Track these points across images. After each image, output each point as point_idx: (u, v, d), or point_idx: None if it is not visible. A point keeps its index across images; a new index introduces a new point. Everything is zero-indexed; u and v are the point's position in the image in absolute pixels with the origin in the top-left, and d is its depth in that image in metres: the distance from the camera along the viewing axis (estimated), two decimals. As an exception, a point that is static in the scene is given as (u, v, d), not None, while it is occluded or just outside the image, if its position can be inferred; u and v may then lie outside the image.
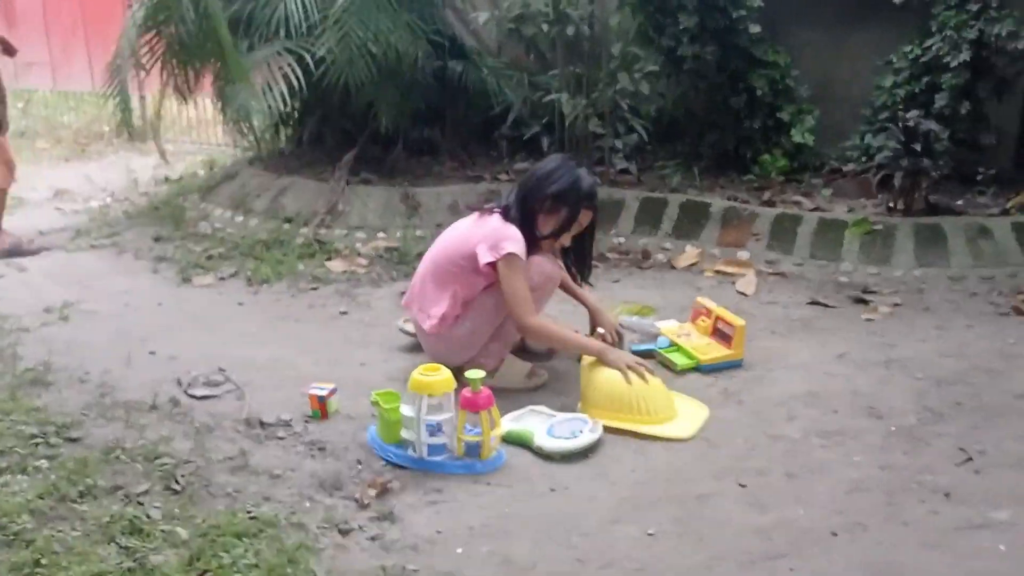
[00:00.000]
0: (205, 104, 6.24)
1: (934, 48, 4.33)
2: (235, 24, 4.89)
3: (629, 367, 2.89)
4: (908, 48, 4.49)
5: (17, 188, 5.87)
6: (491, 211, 3.10)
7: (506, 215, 3.06)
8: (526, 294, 2.97)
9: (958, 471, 2.52)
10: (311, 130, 5.43)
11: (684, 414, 2.88)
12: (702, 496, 2.44)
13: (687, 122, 5.22)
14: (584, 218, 3.12)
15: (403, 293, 3.58)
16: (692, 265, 4.26)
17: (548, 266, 3.11)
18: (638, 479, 2.54)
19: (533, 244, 3.07)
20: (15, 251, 4.60)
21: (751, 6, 4.61)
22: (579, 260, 3.29)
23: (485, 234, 3.02)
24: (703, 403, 2.95)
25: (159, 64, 4.93)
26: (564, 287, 3.30)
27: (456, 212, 4.64)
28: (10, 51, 4.83)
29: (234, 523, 2.29)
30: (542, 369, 3.18)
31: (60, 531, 2.28)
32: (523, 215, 3.06)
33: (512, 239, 2.98)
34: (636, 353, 3.28)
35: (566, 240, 3.14)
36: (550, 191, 3.04)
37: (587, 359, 2.99)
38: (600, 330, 3.21)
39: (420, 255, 3.75)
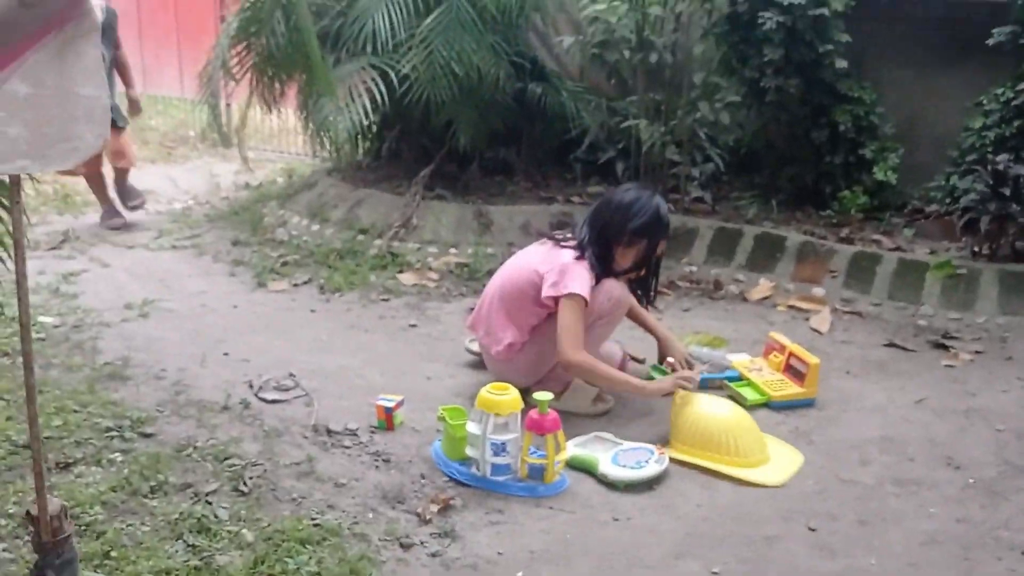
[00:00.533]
0: (288, 114, 6.38)
1: (1028, 91, 4.20)
2: (323, 38, 5.00)
3: (677, 383, 2.88)
4: (1000, 90, 4.36)
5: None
6: (564, 242, 3.08)
7: (580, 248, 3.03)
8: (577, 331, 2.93)
9: (1040, 530, 2.43)
10: (390, 144, 5.51)
11: (777, 459, 2.79)
12: (770, 537, 2.38)
13: (766, 154, 5.15)
14: (661, 248, 3.10)
15: (471, 309, 3.61)
16: (765, 299, 4.19)
17: (618, 291, 3.08)
18: (704, 515, 2.49)
19: (608, 274, 3.05)
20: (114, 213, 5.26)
21: (838, 40, 4.54)
22: (645, 284, 3.25)
23: (554, 267, 2.99)
24: (797, 449, 2.86)
25: (247, 74, 5.06)
26: (633, 315, 3.28)
27: (528, 232, 4.66)
28: (135, 109, 5.66)
29: (299, 529, 2.31)
30: (608, 395, 3.15)
31: (130, 525, 2.33)
32: (601, 248, 3.03)
33: (579, 278, 2.95)
34: (705, 381, 3.25)
35: (639, 273, 3.13)
36: (632, 226, 3.00)
37: (680, 395, 2.91)
38: (670, 359, 3.18)
39: (490, 272, 3.77)
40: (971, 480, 2.68)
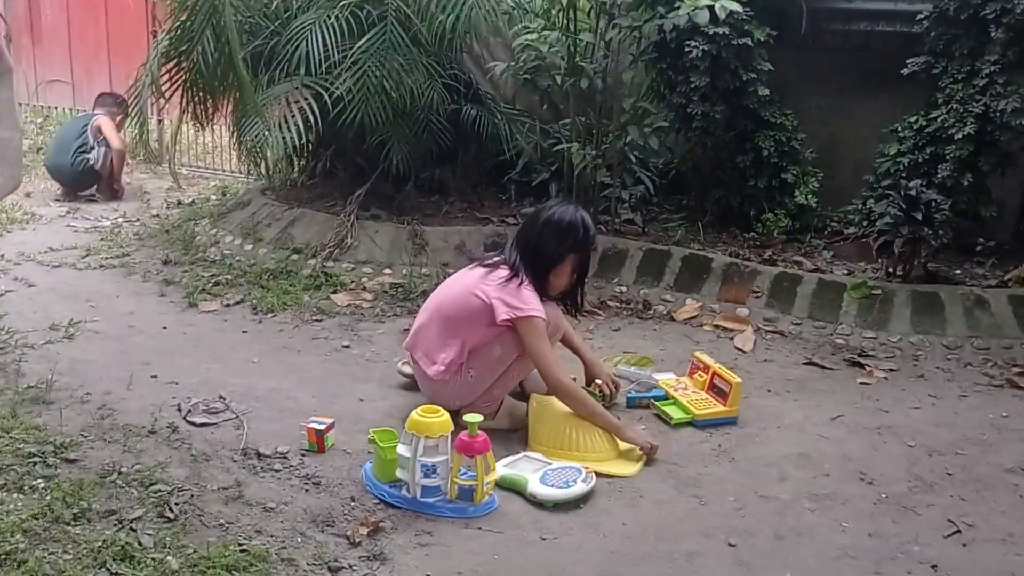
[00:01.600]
0: (221, 131, 6.33)
1: (939, 120, 4.41)
2: (257, 57, 5.00)
3: (645, 449, 2.96)
4: (914, 118, 4.57)
5: (31, 204, 5.97)
6: (496, 265, 3.14)
7: (514, 271, 3.08)
8: (554, 354, 3.06)
9: (946, 543, 2.55)
10: (324, 164, 5.50)
11: (627, 452, 3.00)
12: (691, 554, 2.46)
13: (693, 177, 5.31)
14: (589, 261, 3.22)
15: (406, 331, 3.64)
16: (692, 318, 4.30)
17: (554, 315, 3.17)
18: (628, 533, 2.56)
19: (543, 294, 3.13)
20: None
21: (761, 69, 4.71)
22: (573, 296, 3.31)
23: (500, 291, 3.04)
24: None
25: (179, 91, 5.02)
26: (563, 338, 3.35)
27: (463, 252, 4.71)
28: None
29: (225, 555, 2.31)
30: None
31: (52, 553, 2.30)
32: (536, 268, 3.09)
33: (532, 299, 3.03)
34: (632, 400, 3.34)
35: (570, 283, 3.21)
36: (565, 244, 3.08)
37: (536, 399, 3.07)
38: (598, 381, 3.26)
39: (425, 293, 3.80)
40: (883, 495, 2.80)
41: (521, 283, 3.06)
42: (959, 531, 2.60)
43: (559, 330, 3.22)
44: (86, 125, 6.23)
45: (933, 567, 2.42)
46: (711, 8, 4.29)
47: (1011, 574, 2.40)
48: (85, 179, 6.21)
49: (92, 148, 6.15)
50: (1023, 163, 4.63)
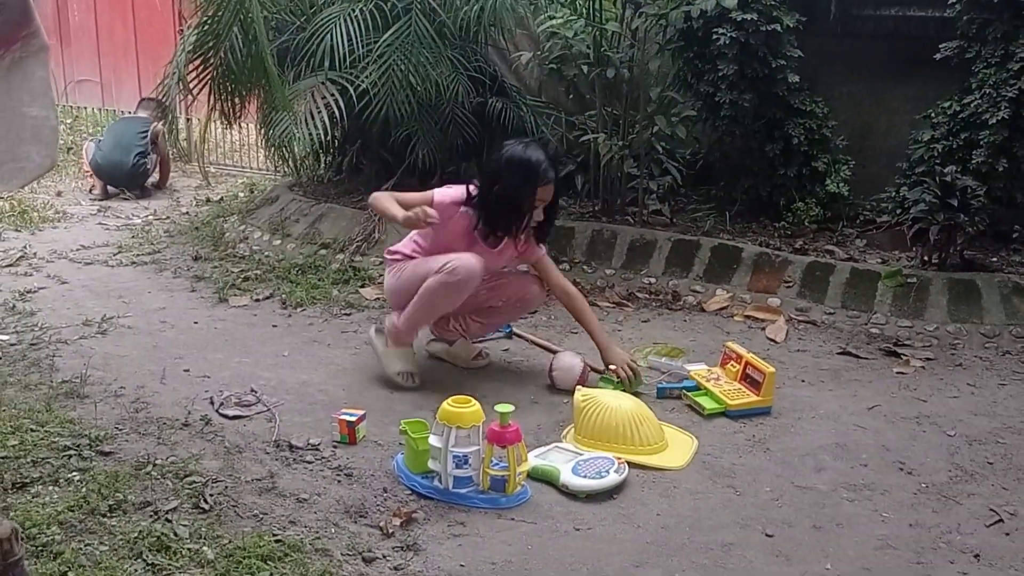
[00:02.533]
0: (249, 129, 6.37)
1: (973, 105, 4.33)
2: (283, 54, 5.01)
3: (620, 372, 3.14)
4: (947, 104, 4.50)
5: (62, 202, 6.04)
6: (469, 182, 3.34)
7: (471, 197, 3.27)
8: (390, 194, 3.31)
9: (988, 532, 2.50)
10: (351, 159, 5.52)
11: (674, 444, 2.97)
12: (727, 544, 2.43)
13: (722, 167, 5.25)
14: (547, 194, 3.23)
15: (434, 323, 3.67)
16: (722, 309, 4.26)
17: (466, 266, 3.20)
18: (663, 523, 2.53)
19: (506, 231, 3.28)
20: None
21: (790, 56, 4.65)
22: (542, 229, 3.39)
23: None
24: (693, 434, 3.03)
25: (207, 89, 5.04)
26: (580, 320, 3.44)
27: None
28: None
29: (260, 546, 2.31)
30: (486, 352, 3.58)
31: (88, 544, 2.31)
32: (503, 207, 3.22)
33: (443, 192, 3.28)
34: (663, 391, 3.31)
35: (539, 216, 3.28)
36: (516, 180, 3.17)
37: (579, 392, 3.06)
38: (612, 366, 3.28)
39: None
40: (923, 485, 2.75)
41: (461, 201, 3.25)
42: (1001, 520, 2.55)
43: (464, 280, 3.22)
44: (145, 130, 6.31)
45: (976, 556, 2.38)
46: (739, -7, 4.25)
47: (1056, 564, 2.35)
48: (138, 180, 6.39)
49: (149, 153, 6.32)
50: (1059, 148, 4.56)
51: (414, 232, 3.35)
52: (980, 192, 4.15)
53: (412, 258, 3.37)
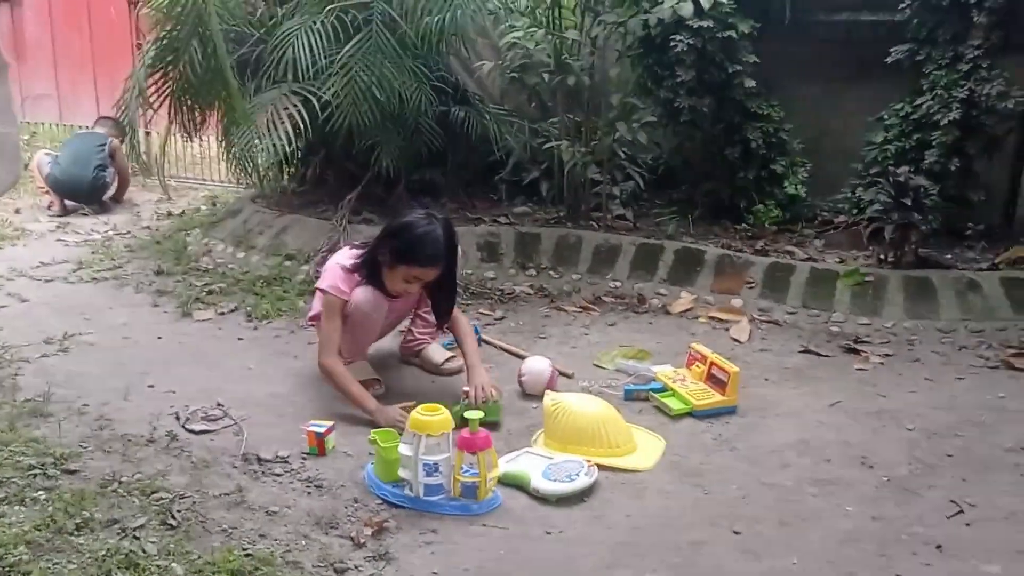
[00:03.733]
0: (210, 141, 6.32)
1: (925, 106, 4.44)
2: (243, 66, 4.99)
3: (392, 423, 3.01)
4: (899, 105, 4.60)
5: (21, 220, 5.95)
6: (357, 246, 3.39)
7: (362, 254, 3.29)
8: (329, 335, 3.24)
9: (949, 524, 2.56)
10: (314, 170, 5.50)
11: (643, 446, 3.00)
12: (697, 543, 2.46)
13: (683, 171, 5.32)
14: (426, 275, 3.22)
15: (401, 331, 3.72)
16: (687, 311, 4.31)
17: (366, 302, 3.26)
18: (633, 524, 2.56)
19: (379, 287, 3.28)
20: None
21: (746, 61, 4.73)
22: (436, 304, 3.42)
23: (333, 262, 3.35)
24: (661, 435, 3.07)
25: (167, 102, 5.01)
26: (456, 336, 3.44)
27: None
28: None
29: (230, 560, 2.30)
30: (458, 358, 3.48)
31: (56, 564, 2.28)
32: (372, 262, 3.25)
33: (330, 275, 3.29)
34: (630, 393, 3.35)
35: (412, 290, 3.31)
36: (390, 248, 3.19)
37: (548, 397, 3.08)
38: (466, 388, 3.22)
39: (418, 295, 3.79)
40: (885, 479, 2.81)
41: (356, 263, 3.27)
42: (962, 511, 2.61)
43: (368, 316, 3.30)
44: (103, 145, 6.26)
45: (938, 547, 2.43)
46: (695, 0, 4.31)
47: (1016, 552, 2.41)
48: (97, 195, 6.34)
49: (107, 168, 6.29)
50: (1009, 147, 4.68)
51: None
52: (933, 191, 4.25)
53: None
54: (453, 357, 3.59)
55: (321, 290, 3.30)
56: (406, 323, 3.68)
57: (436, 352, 3.63)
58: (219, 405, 3.24)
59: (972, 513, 2.61)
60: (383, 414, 3.08)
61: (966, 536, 2.50)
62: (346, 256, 3.35)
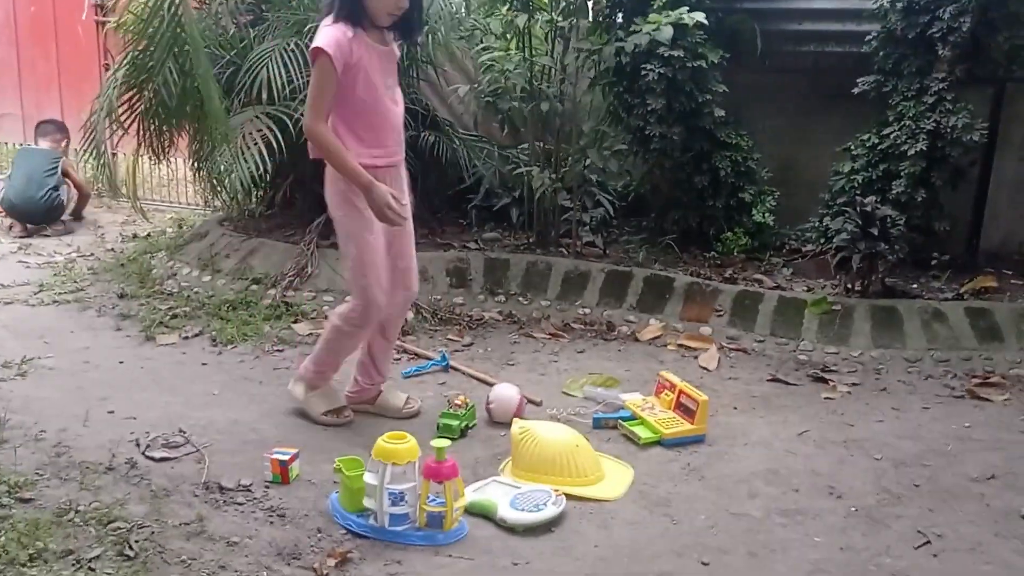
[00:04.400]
0: (177, 164, 6.25)
1: (892, 137, 4.50)
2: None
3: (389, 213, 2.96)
4: (866, 136, 4.66)
5: (-20, 240, 5.83)
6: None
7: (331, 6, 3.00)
8: (318, 97, 2.96)
9: (917, 555, 2.56)
10: (283, 193, 5.45)
11: (611, 475, 2.98)
12: (664, 574, 2.44)
13: (653, 199, 5.35)
14: None
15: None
16: (655, 338, 4.31)
17: (371, 311, 3.12)
18: (601, 555, 2.53)
19: (366, 22, 3.00)
20: None
21: (716, 91, 4.77)
22: (408, 22, 3.12)
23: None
24: (629, 464, 3.05)
25: (135, 123, 4.95)
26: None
27: (425, 278, 4.67)
28: None
29: (189, 592, 2.24)
30: (416, 401, 3.44)
31: (7, 596, 2.22)
32: None
33: (322, 34, 2.94)
34: (599, 421, 3.33)
35: (403, 4, 3.00)
36: None
37: (516, 425, 3.04)
38: (448, 395, 3.32)
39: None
40: (853, 509, 2.80)
41: (331, 13, 2.98)
42: (929, 542, 2.61)
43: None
44: (54, 166, 6.17)
45: (904, 579, 2.43)
46: (674, 24, 4.36)
47: (981, 582, 2.42)
48: (54, 215, 6.22)
49: (60, 187, 6.19)
50: (973, 178, 4.77)
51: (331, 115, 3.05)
52: (900, 221, 4.29)
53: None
54: (410, 398, 3.46)
55: (315, 49, 2.93)
56: (355, 376, 3.43)
57: (393, 396, 3.44)
58: (181, 431, 3.18)
59: (938, 544, 2.61)
60: (377, 191, 2.95)
61: (933, 567, 2.50)
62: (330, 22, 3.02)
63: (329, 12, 3.02)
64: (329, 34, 2.95)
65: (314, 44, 2.95)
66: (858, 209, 4.30)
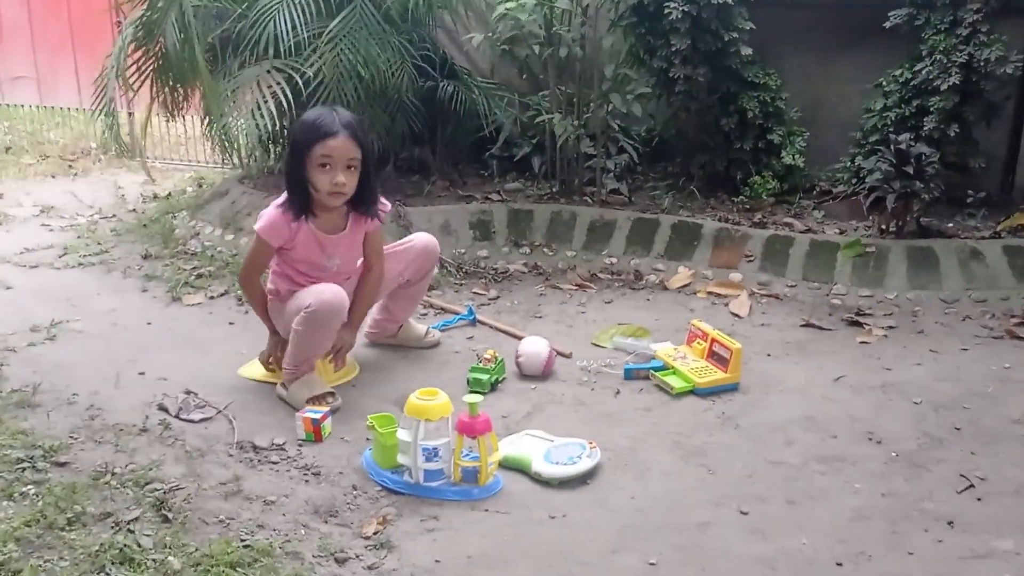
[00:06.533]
0: (194, 121, 6.20)
1: (924, 72, 4.36)
2: (225, 43, 4.87)
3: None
4: (898, 71, 4.52)
5: (2, 204, 5.84)
6: None
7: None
8: (252, 262, 3.19)
9: (960, 499, 2.52)
10: (301, 148, 5.39)
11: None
12: (703, 524, 2.41)
13: (678, 143, 5.24)
14: (335, 151, 2.98)
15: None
16: (685, 286, 4.25)
17: (327, 303, 3.02)
18: (638, 506, 2.51)
19: (310, 207, 3.09)
20: None
21: (742, 28, 4.63)
22: (359, 196, 3.14)
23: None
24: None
25: (148, 82, 4.90)
26: (356, 293, 3.28)
27: (448, 231, 4.63)
28: None
29: (228, 552, 2.24)
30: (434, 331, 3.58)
31: (48, 560, 2.22)
32: (289, 180, 3.10)
33: (261, 217, 3.13)
34: (630, 371, 3.28)
35: (340, 180, 3.01)
36: (293, 144, 3.09)
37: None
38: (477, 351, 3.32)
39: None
40: (893, 454, 2.76)
41: (284, 197, 3.11)
42: (972, 485, 2.57)
43: (332, 307, 3.04)
44: None
45: (950, 523, 2.39)
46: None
47: (1028, 525, 2.38)
48: None
49: None
50: (1007, 113, 4.61)
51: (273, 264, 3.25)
52: (935, 159, 4.18)
53: (279, 292, 3.23)
54: (430, 330, 3.61)
55: (256, 231, 3.13)
56: (374, 312, 3.54)
57: (414, 327, 3.59)
58: (212, 392, 3.17)
59: (982, 487, 2.57)
60: (272, 343, 3.27)
61: (977, 511, 2.46)
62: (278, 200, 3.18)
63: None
64: (270, 218, 3.10)
65: (257, 224, 3.13)
66: (892, 147, 4.18)
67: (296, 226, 3.10)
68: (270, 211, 3.12)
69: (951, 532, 2.36)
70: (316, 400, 3.05)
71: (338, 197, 3.07)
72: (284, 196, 3.12)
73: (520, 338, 3.50)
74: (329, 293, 3.03)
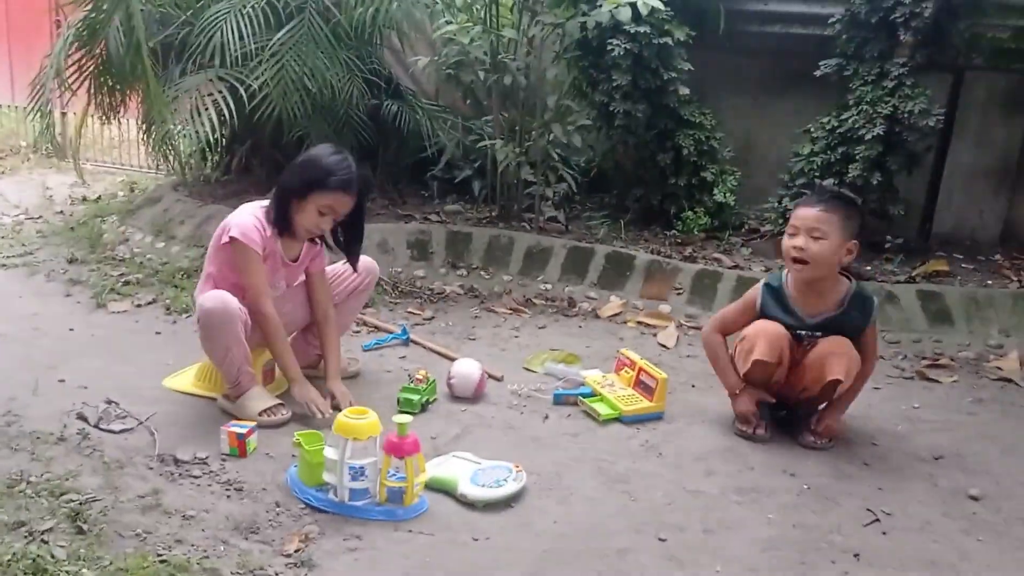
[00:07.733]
0: (129, 125, 6.10)
1: (850, 120, 4.55)
2: (167, 49, 4.83)
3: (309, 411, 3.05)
4: (826, 119, 4.71)
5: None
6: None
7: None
8: (255, 279, 3.04)
9: (866, 532, 2.62)
10: (240, 159, 5.35)
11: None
12: (622, 550, 2.46)
13: (615, 176, 5.36)
14: (339, 204, 3.06)
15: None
16: (616, 315, 4.33)
17: (208, 303, 2.98)
18: (560, 531, 2.55)
19: (289, 231, 3.12)
20: None
21: (681, 69, 4.78)
22: (347, 243, 3.27)
23: (233, 215, 3.10)
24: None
25: (85, 83, 4.81)
26: (324, 344, 3.29)
27: (385, 250, 4.63)
28: None
29: (144, 567, 2.20)
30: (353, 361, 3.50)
31: (-45, 570, 2.16)
32: (280, 201, 3.08)
33: (237, 224, 3.02)
34: (560, 397, 3.34)
35: (324, 226, 3.10)
36: (300, 177, 3.05)
37: None
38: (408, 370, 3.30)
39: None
40: (805, 487, 2.86)
41: (266, 208, 3.10)
42: (878, 520, 2.67)
43: (229, 313, 2.97)
44: None
45: (855, 556, 2.48)
46: (633, 5, 4.33)
47: (931, 562, 2.48)
48: None
49: None
50: (928, 163, 4.85)
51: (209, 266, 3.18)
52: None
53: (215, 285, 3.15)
54: (351, 359, 3.53)
55: (233, 238, 3.00)
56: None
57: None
58: (133, 403, 3.11)
59: (888, 522, 2.67)
60: (300, 389, 3.08)
61: (882, 545, 2.56)
62: (252, 205, 3.14)
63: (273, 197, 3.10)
64: (245, 227, 3.02)
65: (232, 232, 3.01)
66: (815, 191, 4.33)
67: (270, 240, 3.08)
68: (242, 220, 3.03)
69: (857, 565, 2.45)
70: (269, 412, 3.04)
71: (316, 232, 3.14)
72: (250, 210, 3.08)
73: (453, 360, 3.53)
74: (210, 301, 2.99)
